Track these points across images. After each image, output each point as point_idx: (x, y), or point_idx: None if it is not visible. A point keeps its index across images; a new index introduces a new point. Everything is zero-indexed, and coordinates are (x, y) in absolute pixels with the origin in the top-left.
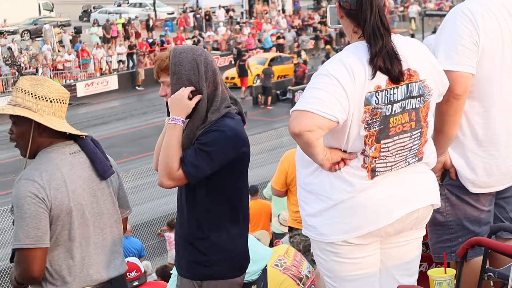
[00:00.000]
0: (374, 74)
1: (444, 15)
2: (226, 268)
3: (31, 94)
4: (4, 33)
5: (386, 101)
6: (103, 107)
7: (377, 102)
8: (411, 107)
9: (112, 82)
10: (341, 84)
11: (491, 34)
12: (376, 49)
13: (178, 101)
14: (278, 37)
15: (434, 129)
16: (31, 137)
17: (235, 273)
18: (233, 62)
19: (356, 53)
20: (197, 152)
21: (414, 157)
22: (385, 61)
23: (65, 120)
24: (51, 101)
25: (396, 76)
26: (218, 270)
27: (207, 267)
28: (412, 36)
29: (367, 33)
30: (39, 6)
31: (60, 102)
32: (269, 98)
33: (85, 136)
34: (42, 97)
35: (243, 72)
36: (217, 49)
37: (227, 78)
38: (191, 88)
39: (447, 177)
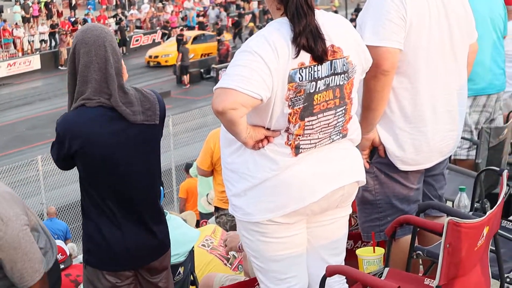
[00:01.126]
0: (297, 53)
1: None
2: (97, 259)
3: None
4: None
5: (310, 78)
6: (26, 87)
7: (301, 79)
8: (335, 84)
9: (35, 62)
10: (264, 61)
11: (418, 9)
12: (299, 28)
13: None
14: (198, 15)
15: (362, 106)
16: None
17: (105, 267)
18: (156, 41)
19: (279, 30)
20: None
21: (338, 134)
22: (309, 40)
23: None
24: None
25: (319, 55)
26: (91, 259)
27: (86, 253)
28: (336, 13)
29: (290, 12)
30: None
31: None
32: (187, 76)
33: None
34: None
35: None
36: (140, 28)
37: (150, 56)
38: None
39: (376, 155)
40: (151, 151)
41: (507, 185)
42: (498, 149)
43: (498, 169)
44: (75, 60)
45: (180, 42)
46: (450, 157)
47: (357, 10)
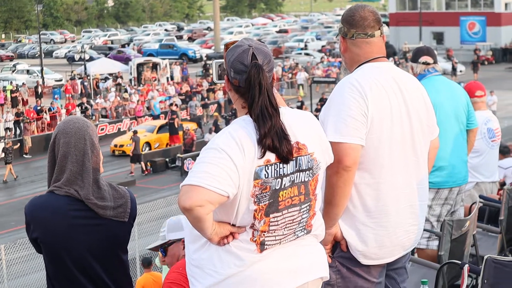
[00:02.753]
0: (263, 154)
1: (331, 82)
2: None
3: None
4: None
5: (275, 175)
6: None
7: (266, 176)
8: (300, 181)
9: None
10: (231, 158)
11: (379, 105)
12: (265, 130)
13: None
14: (171, 104)
15: (324, 201)
16: None
17: None
18: (122, 129)
19: (245, 127)
20: None
21: (302, 230)
22: (274, 141)
23: None
24: None
25: (284, 156)
26: None
27: None
28: (302, 103)
29: (255, 113)
30: None
31: None
32: (142, 164)
33: None
34: None
35: (173, 131)
36: (105, 117)
37: (115, 145)
38: None
39: (338, 249)
40: (115, 248)
41: (469, 276)
42: (461, 241)
43: (460, 262)
44: (55, 149)
45: (172, 125)
46: (412, 250)
47: (322, 100)
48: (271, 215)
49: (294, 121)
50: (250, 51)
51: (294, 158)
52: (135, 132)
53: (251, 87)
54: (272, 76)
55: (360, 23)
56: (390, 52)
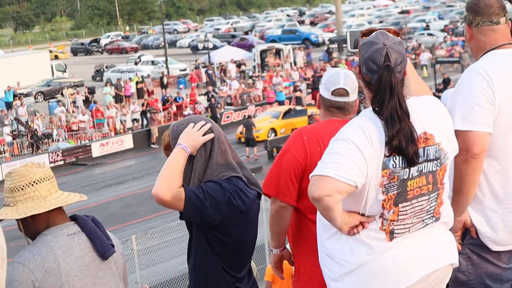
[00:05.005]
0: (390, 154)
1: (455, 62)
2: None
3: (8, 189)
4: (18, 95)
5: (403, 165)
6: (118, 166)
7: (394, 166)
8: (428, 170)
9: (127, 141)
10: (359, 149)
11: (506, 92)
12: (393, 132)
13: (190, 134)
14: (295, 90)
15: (453, 190)
16: (22, 227)
17: None
18: (247, 117)
19: (373, 118)
20: (200, 188)
21: (431, 218)
22: (401, 142)
23: (57, 192)
24: (22, 188)
25: (410, 158)
26: None
27: None
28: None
29: (384, 115)
30: (52, 68)
31: (39, 182)
32: (255, 149)
33: (86, 217)
34: (14, 188)
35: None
36: (230, 104)
37: (241, 132)
38: (208, 125)
39: (468, 236)
40: (258, 221)
41: None
42: None
43: None
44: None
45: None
46: None
47: (444, 80)
48: (400, 205)
49: (422, 111)
50: (384, 51)
51: (421, 148)
52: (248, 117)
53: (381, 88)
54: (403, 73)
55: (485, 11)
56: None
